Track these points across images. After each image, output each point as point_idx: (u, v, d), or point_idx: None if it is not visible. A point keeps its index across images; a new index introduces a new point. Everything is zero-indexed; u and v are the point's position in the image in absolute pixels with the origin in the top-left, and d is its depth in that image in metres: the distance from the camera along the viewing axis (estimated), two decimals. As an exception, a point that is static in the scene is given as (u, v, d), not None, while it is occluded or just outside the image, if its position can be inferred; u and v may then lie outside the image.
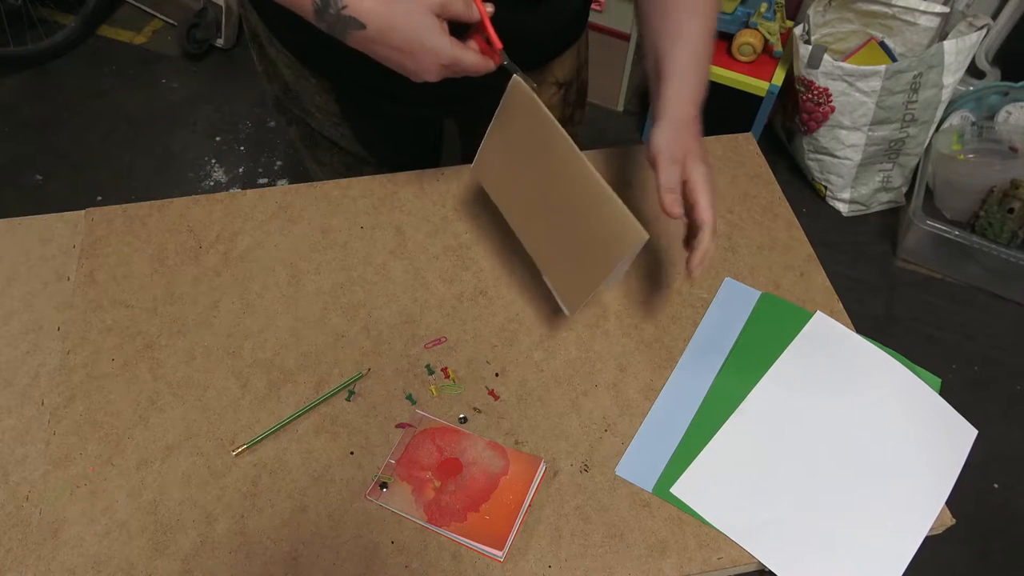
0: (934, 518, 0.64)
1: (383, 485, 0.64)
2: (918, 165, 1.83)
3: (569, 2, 0.79)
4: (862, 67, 1.65)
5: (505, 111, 0.69)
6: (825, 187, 1.94)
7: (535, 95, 0.65)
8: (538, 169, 0.67)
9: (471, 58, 0.61)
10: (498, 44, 0.62)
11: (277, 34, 0.80)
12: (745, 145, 0.92)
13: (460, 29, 0.61)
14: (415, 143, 0.99)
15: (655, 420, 0.69)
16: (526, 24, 0.74)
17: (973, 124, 1.80)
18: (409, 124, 0.94)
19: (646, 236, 0.59)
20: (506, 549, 0.61)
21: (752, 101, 1.85)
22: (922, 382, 0.71)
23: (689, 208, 0.64)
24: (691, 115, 0.65)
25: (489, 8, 0.61)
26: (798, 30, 1.76)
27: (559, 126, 0.64)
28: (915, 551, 0.62)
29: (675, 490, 0.64)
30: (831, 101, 1.73)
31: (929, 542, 0.62)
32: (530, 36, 0.71)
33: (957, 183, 1.76)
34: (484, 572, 0.60)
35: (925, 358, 0.77)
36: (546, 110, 0.65)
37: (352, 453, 0.66)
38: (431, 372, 0.71)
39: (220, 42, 2.33)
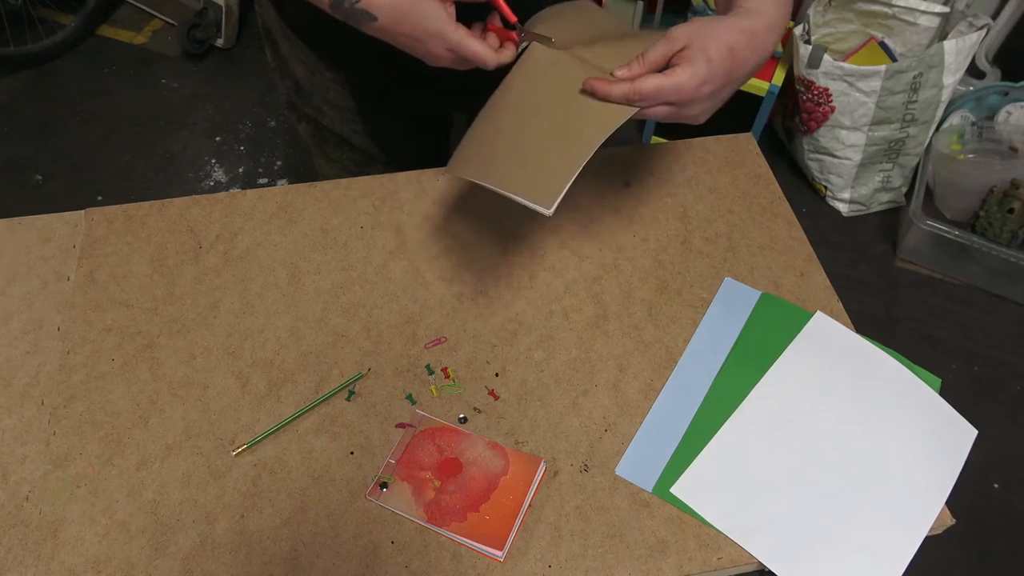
0: (934, 518, 0.64)
1: (383, 485, 0.64)
2: (918, 165, 1.83)
3: None
4: (862, 67, 1.66)
5: (519, 75, 0.67)
6: (825, 187, 1.94)
7: (554, 48, 0.65)
8: (547, 106, 0.65)
9: (476, 46, 0.62)
10: (512, 18, 0.64)
11: (292, 26, 0.81)
12: (745, 145, 0.92)
13: (476, 18, 0.63)
14: (426, 138, 0.99)
15: (655, 420, 0.69)
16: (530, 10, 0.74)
17: (973, 124, 1.80)
18: (420, 118, 0.95)
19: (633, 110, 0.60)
20: (506, 549, 0.61)
21: (752, 101, 1.85)
22: (922, 382, 0.71)
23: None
24: (745, 26, 0.59)
25: None
26: (798, 30, 1.76)
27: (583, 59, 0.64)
28: (915, 551, 0.62)
29: (675, 490, 0.65)
30: (831, 101, 1.74)
31: (929, 542, 0.62)
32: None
33: (957, 183, 1.76)
34: (484, 572, 0.60)
35: (925, 358, 0.77)
36: (568, 55, 0.65)
37: (352, 453, 0.66)
38: (431, 372, 0.71)
39: (220, 42, 2.33)
